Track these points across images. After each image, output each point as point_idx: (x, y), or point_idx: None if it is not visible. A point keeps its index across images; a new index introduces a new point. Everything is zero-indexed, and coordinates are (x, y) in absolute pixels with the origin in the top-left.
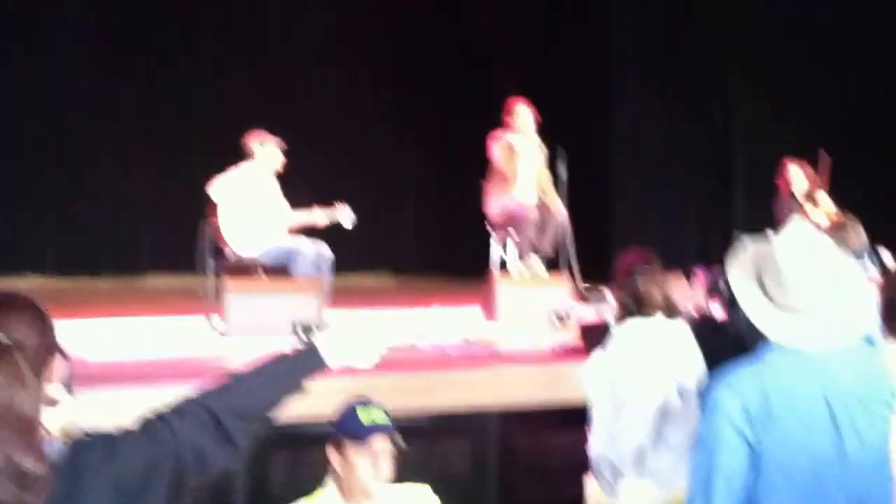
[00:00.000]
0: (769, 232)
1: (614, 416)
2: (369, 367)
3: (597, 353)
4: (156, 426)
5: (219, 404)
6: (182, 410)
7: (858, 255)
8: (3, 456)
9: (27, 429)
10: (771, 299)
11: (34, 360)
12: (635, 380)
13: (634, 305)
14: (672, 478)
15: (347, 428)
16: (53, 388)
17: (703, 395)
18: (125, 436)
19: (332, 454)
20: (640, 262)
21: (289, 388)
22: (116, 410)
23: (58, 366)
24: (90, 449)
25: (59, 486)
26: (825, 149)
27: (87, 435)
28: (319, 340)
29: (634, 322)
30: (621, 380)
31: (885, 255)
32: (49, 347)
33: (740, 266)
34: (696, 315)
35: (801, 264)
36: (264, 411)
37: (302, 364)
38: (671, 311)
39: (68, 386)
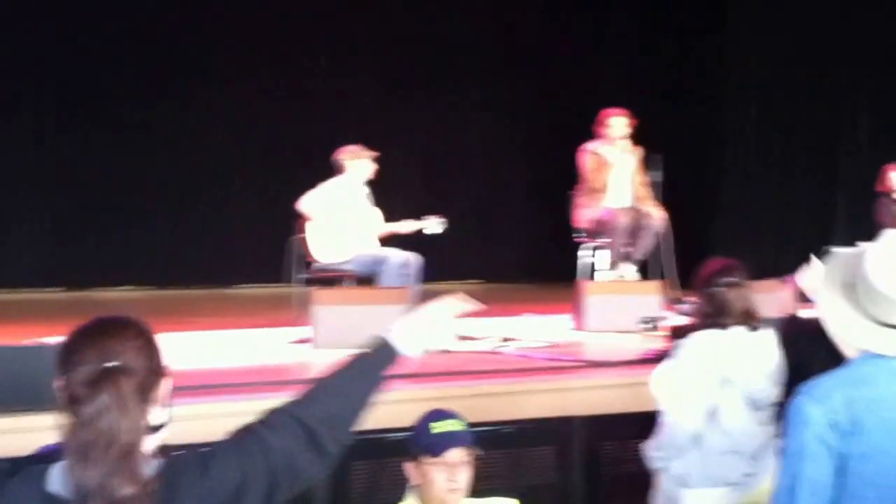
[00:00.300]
0: (860, 243)
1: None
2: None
3: (666, 362)
4: (247, 440)
5: (308, 413)
6: (273, 423)
7: None
8: (100, 482)
9: (125, 455)
10: (860, 309)
11: (141, 385)
12: (691, 389)
13: (713, 315)
14: (732, 477)
15: (422, 441)
16: (159, 410)
17: (790, 406)
18: (217, 451)
19: (410, 468)
20: (721, 273)
21: (371, 386)
22: (210, 421)
23: (164, 388)
24: (183, 466)
25: (156, 498)
26: None
27: (181, 452)
28: (392, 332)
29: (704, 333)
30: (680, 388)
31: None
32: (156, 371)
33: (829, 277)
34: (786, 323)
35: (890, 278)
36: (352, 415)
37: (379, 358)
38: (751, 322)
39: (169, 402)
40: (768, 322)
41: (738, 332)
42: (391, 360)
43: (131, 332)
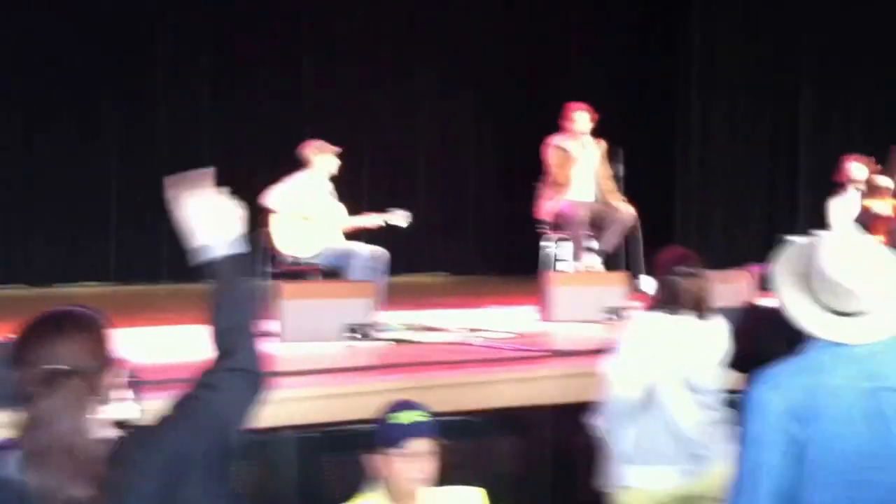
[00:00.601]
0: (815, 232)
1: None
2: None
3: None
4: (193, 407)
5: (232, 359)
6: (211, 383)
7: None
8: (57, 483)
9: (80, 456)
10: (815, 299)
11: (90, 381)
12: (631, 365)
13: (666, 302)
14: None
15: (386, 433)
16: (111, 399)
17: (748, 394)
18: (165, 424)
19: (375, 459)
20: (677, 261)
21: (250, 294)
22: None
23: (114, 379)
24: (134, 444)
25: (108, 482)
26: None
27: (130, 430)
28: (203, 251)
29: (650, 315)
30: (621, 363)
31: None
32: (104, 364)
33: (784, 266)
34: (745, 312)
35: (844, 268)
36: (253, 329)
37: (227, 274)
38: (703, 310)
39: (134, 391)
40: (725, 311)
41: (687, 318)
42: (233, 264)
43: (82, 326)
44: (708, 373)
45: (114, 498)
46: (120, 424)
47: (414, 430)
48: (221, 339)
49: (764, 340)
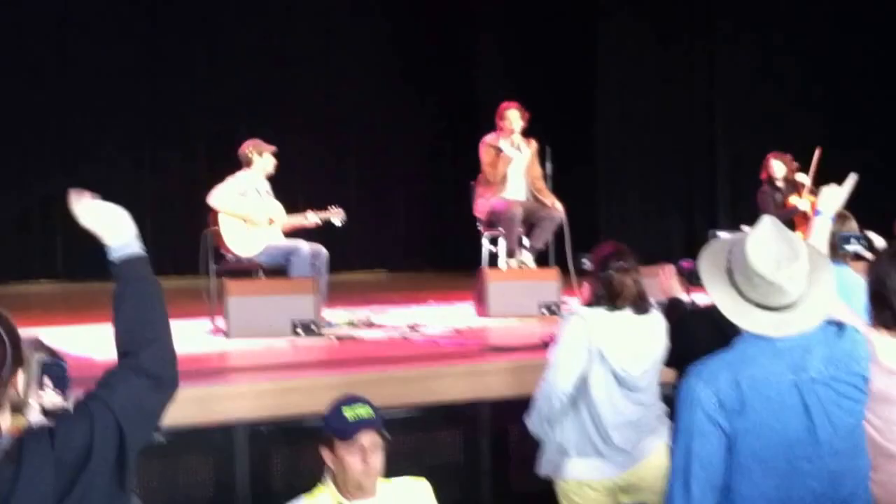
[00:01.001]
0: (743, 227)
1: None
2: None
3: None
4: (90, 405)
5: (134, 358)
6: (110, 382)
7: (846, 240)
8: None
9: None
10: (740, 293)
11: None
12: (565, 357)
13: (606, 298)
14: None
15: (334, 426)
16: (16, 396)
17: (680, 387)
18: (60, 422)
19: (324, 453)
20: (614, 256)
21: (151, 297)
22: None
23: (21, 377)
24: (30, 439)
25: (3, 477)
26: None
27: (29, 427)
28: (111, 250)
29: (586, 309)
30: (556, 355)
31: (875, 237)
32: (11, 365)
33: (711, 261)
34: (669, 307)
35: (769, 263)
36: (160, 332)
37: (129, 275)
38: (641, 305)
39: (61, 387)
40: (658, 306)
41: (624, 313)
42: (136, 264)
43: None
44: (644, 367)
45: (4, 493)
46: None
47: (362, 424)
48: (122, 340)
49: (693, 335)
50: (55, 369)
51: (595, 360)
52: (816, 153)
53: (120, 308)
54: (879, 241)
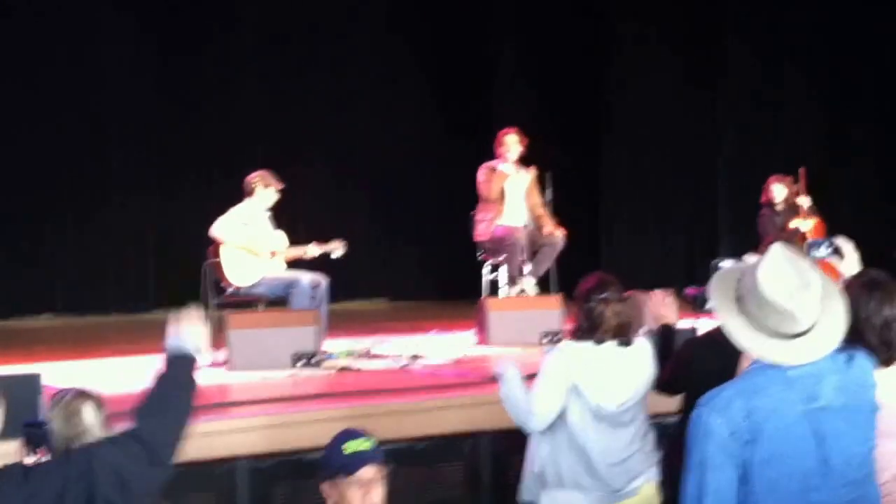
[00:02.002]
0: (749, 256)
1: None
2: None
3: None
4: (75, 455)
5: (142, 430)
6: (114, 439)
7: (814, 246)
8: None
9: None
10: (752, 321)
11: None
12: (544, 392)
13: (588, 330)
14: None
15: (335, 462)
16: None
17: (692, 418)
18: (42, 464)
19: (325, 488)
20: (597, 288)
21: (186, 392)
22: None
23: None
24: (5, 477)
25: None
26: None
27: (6, 466)
28: (175, 343)
29: (568, 343)
30: (537, 390)
31: (843, 243)
32: None
33: (721, 289)
34: (663, 332)
35: (781, 291)
36: (179, 423)
37: (180, 368)
38: (623, 337)
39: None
40: (650, 333)
41: (606, 346)
42: (188, 364)
43: None
44: (623, 401)
45: None
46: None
47: (363, 458)
48: (141, 407)
49: (701, 363)
50: (34, 431)
51: (572, 395)
52: (801, 173)
53: (155, 385)
54: (847, 247)
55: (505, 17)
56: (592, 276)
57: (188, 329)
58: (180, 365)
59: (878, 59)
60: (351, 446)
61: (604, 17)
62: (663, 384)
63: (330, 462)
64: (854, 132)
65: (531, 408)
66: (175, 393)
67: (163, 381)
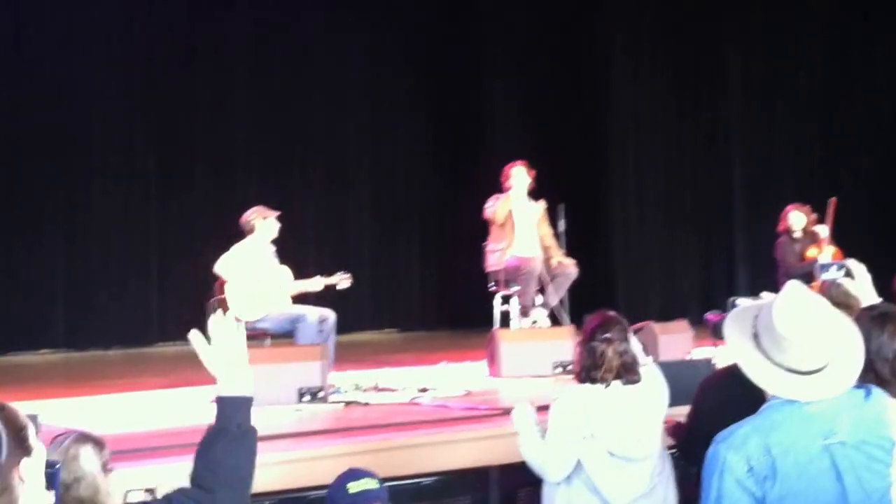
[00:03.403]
0: (763, 294)
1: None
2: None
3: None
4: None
5: (208, 492)
6: (170, 498)
7: (824, 269)
8: None
9: None
10: (768, 357)
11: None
12: (556, 445)
13: (592, 370)
14: None
15: (339, 502)
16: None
17: (708, 455)
18: None
19: None
20: (601, 328)
21: (243, 440)
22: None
23: (27, 466)
24: None
25: None
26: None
27: None
28: (221, 390)
29: (574, 389)
30: (548, 445)
31: (854, 265)
32: (13, 457)
33: (736, 325)
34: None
35: (797, 327)
36: (241, 471)
37: (231, 415)
38: (628, 376)
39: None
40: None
41: (612, 387)
42: (238, 408)
43: None
44: (637, 438)
45: None
46: None
47: (369, 498)
48: (201, 474)
49: (718, 399)
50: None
51: (587, 440)
52: (831, 204)
53: (210, 444)
54: (859, 269)
55: (496, 49)
56: (597, 315)
57: (226, 356)
58: (232, 410)
59: None
60: (356, 486)
61: (597, 40)
62: (686, 448)
63: (335, 502)
64: (878, 160)
65: (548, 461)
66: (238, 450)
67: (221, 439)
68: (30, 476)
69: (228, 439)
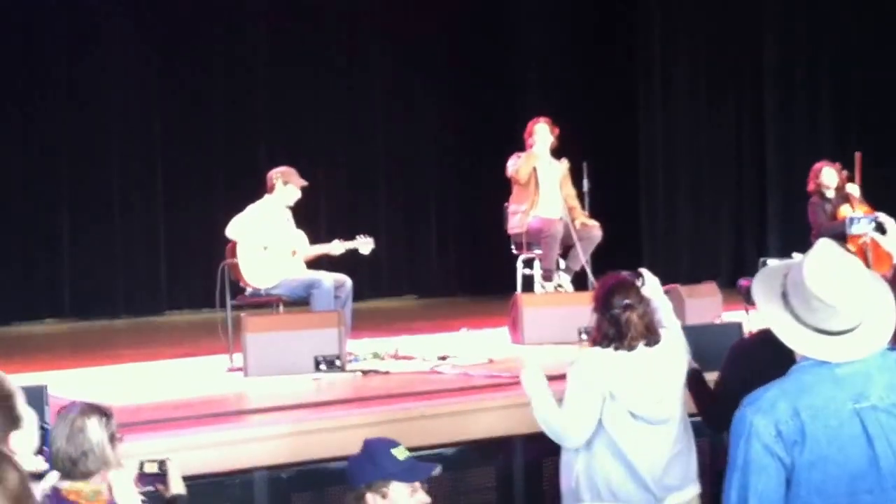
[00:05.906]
0: (795, 255)
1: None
2: None
3: None
4: None
5: None
6: None
7: (854, 221)
8: None
9: None
10: (797, 317)
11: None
12: (578, 405)
13: (616, 338)
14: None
15: (393, 470)
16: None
17: (735, 419)
18: None
19: (370, 498)
20: (617, 293)
21: None
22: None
23: (19, 438)
24: None
25: None
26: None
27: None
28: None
29: (594, 351)
30: (569, 404)
31: (886, 219)
32: (12, 423)
33: (766, 284)
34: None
35: (828, 286)
36: None
37: None
38: (651, 337)
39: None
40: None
41: (635, 350)
42: None
43: None
44: (659, 398)
45: None
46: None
47: (421, 465)
48: None
49: (751, 363)
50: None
51: (607, 401)
52: (857, 158)
53: None
54: (891, 223)
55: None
56: (609, 279)
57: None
58: None
59: None
60: (401, 453)
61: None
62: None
63: (386, 471)
64: None
65: (567, 425)
66: None
67: None
68: (21, 448)
69: None
